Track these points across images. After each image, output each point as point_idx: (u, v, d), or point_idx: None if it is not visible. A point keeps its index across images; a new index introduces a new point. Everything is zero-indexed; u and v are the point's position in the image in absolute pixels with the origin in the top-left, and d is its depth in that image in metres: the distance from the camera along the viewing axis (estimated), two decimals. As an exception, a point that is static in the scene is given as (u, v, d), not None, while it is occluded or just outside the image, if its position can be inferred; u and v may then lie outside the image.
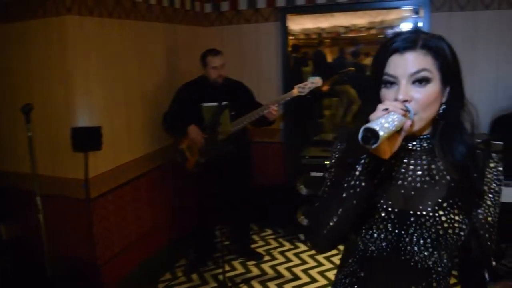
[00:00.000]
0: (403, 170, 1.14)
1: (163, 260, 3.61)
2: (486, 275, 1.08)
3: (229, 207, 3.71)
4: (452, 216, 1.06)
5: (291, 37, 4.27)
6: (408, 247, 1.10)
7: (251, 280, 3.43)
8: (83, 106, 2.79)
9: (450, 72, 1.06)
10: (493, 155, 1.14)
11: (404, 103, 1.00)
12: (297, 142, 4.27)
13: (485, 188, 1.11)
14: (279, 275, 3.49)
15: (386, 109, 0.94)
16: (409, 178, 1.13)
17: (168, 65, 3.74)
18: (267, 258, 3.77)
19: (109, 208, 3.02)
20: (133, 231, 3.29)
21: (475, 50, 3.54)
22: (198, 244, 3.76)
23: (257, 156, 4.01)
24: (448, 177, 1.10)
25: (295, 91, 3.17)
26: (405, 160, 1.14)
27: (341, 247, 1.28)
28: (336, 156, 1.23)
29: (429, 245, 1.08)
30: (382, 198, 1.11)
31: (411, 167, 1.14)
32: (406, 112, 0.97)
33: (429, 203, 1.09)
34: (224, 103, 3.02)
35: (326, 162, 3.85)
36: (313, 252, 3.83)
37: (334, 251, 3.74)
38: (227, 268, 3.51)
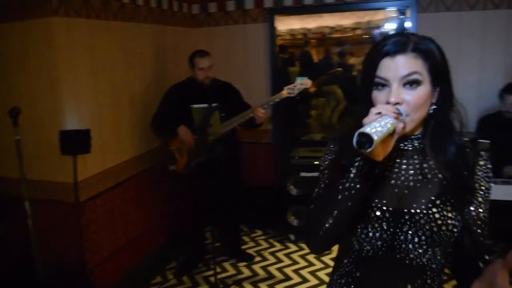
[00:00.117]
0: (396, 170, 1.16)
1: (153, 263, 3.59)
2: (481, 264, 1.08)
3: (219, 209, 3.70)
4: (445, 213, 1.08)
5: (278, 38, 4.28)
6: (403, 245, 1.11)
7: (243, 282, 3.42)
8: (71, 109, 2.76)
9: (439, 73, 1.08)
10: (482, 153, 1.16)
11: (396, 106, 1.02)
12: (286, 143, 4.28)
13: (476, 185, 1.13)
14: (270, 276, 3.49)
15: (379, 113, 0.96)
16: (402, 178, 1.15)
17: (156, 66, 3.72)
18: (258, 259, 3.77)
19: (98, 211, 2.99)
20: (123, 234, 3.26)
21: (461, 50, 3.59)
22: (188, 246, 3.74)
23: (247, 157, 4.01)
24: (440, 175, 1.13)
25: (285, 93, 3.18)
26: (397, 160, 1.16)
27: (333, 247, 1.28)
28: (330, 158, 1.24)
29: (424, 242, 1.10)
30: (377, 198, 1.13)
31: (404, 166, 1.16)
32: (398, 115, 0.99)
33: (423, 201, 1.11)
34: (214, 104, 3.01)
35: (315, 162, 3.90)
36: (303, 252, 3.84)
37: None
38: (218, 269, 3.50)
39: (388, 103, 1.04)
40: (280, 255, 3.83)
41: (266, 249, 3.95)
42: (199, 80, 3.37)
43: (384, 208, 1.12)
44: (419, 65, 1.05)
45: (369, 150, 0.90)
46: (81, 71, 2.83)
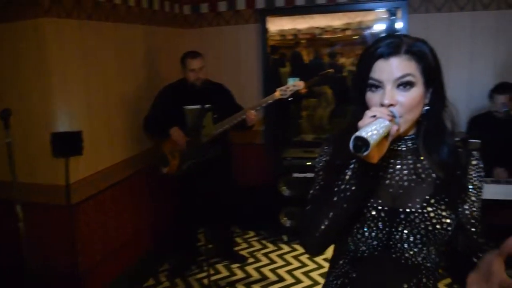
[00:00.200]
0: (390, 170, 1.17)
1: (146, 265, 3.57)
2: (475, 260, 1.10)
3: (212, 210, 3.69)
4: (440, 211, 1.10)
5: (269, 39, 4.28)
6: (399, 245, 1.13)
7: (236, 283, 3.42)
8: (63, 111, 2.73)
9: (432, 74, 1.09)
10: (474, 152, 1.18)
11: (390, 108, 1.03)
12: (278, 144, 4.28)
13: (469, 184, 1.15)
14: (264, 277, 3.49)
15: (374, 116, 0.97)
16: (397, 178, 1.16)
17: (148, 67, 3.70)
18: (251, 260, 3.77)
19: (90, 214, 2.96)
20: (115, 236, 3.24)
21: (451, 50, 3.63)
22: (181, 248, 3.72)
23: (239, 158, 4.01)
24: (433, 175, 1.14)
25: (277, 94, 3.18)
26: (391, 161, 1.17)
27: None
28: (324, 159, 1.25)
29: (419, 241, 1.11)
30: (372, 198, 1.14)
31: (398, 166, 1.17)
32: (392, 117, 1.00)
33: (417, 200, 1.12)
34: (207, 105, 3.00)
35: (308, 163, 3.91)
36: (296, 253, 3.85)
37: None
38: (211, 271, 3.49)
39: (382, 104, 1.05)
40: (273, 256, 3.83)
41: (259, 250, 3.94)
42: (190, 81, 3.36)
43: (380, 207, 1.13)
44: (412, 67, 1.07)
45: (365, 153, 0.91)
46: (73, 72, 2.80)
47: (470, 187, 1.15)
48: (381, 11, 4.00)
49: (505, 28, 3.62)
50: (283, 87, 3.19)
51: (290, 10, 4.15)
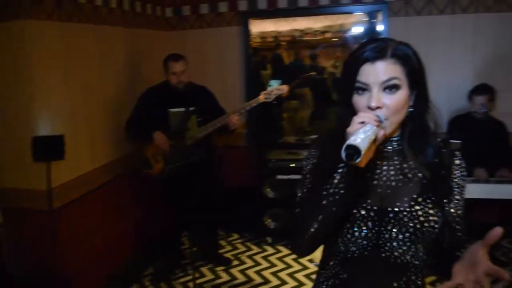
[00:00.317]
0: (377, 171, 1.19)
1: (130, 270, 3.53)
2: (459, 254, 1.13)
3: (196, 213, 3.67)
4: (427, 210, 1.13)
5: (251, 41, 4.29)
6: (388, 244, 1.15)
7: (221, 286, 3.41)
8: (44, 114, 2.69)
9: (416, 77, 1.13)
10: (457, 153, 1.21)
11: (376, 113, 1.06)
12: (261, 146, 4.29)
13: (453, 183, 1.19)
14: (249, 279, 3.49)
15: (363, 122, 1.00)
16: (384, 178, 1.19)
17: (130, 70, 3.67)
18: (235, 262, 3.76)
19: (73, 219, 2.91)
20: (98, 241, 3.19)
21: (431, 53, 3.69)
22: (165, 252, 3.69)
23: (222, 161, 3.99)
24: (419, 175, 1.17)
25: (261, 98, 3.18)
26: (378, 162, 1.19)
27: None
28: (312, 162, 1.26)
29: (407, 239, 1.14)
30: (361, 198, 1.16)
31: (385, 167, 1.20)
32: (379, 123, 1.03)
33: (405, 199, 1.15)
34: (191, 108, 2.98)
35: (291, 165, 3.91)
36: (281, 254, 3.86)
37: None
38: (196, 275, 3.47)
39: (369, 107, 1.08)
40: (257, 258, 3.83)
41: (243, 252, 3.94)
42: (172, 84, 3.33)
43: (369, 207, 1.15)
44: (397, 70, 1.09)
45: (357, 161, 0.95)
46: (54, 75, 2.76)
47: (455, 186, 1.19)
48: (361, 14, 4.05)
49: (483, 31, 3.70)
50: (267, 91, 3.18)
51: (272, 13, 4.17)
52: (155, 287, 3.41)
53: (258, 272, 3.59)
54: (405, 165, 1.18)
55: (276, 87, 3.19)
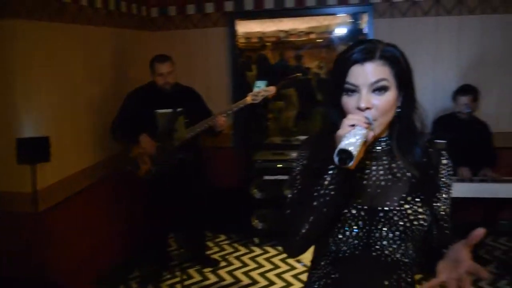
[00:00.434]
0: (367, 171, 1.21)
1: (116, 273, 3.49)
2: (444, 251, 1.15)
3: (183, 215, 3.65)
4: (416, 208, 1.15)
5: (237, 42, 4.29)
6: (378, 242, 1.17)
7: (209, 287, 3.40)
8: (28, 115, 2.64)
9: (404, 78, 1.14)
10: (443, 152, 1.24)
11: (365, 115, 1.07)
12: (248, 146, 4.29)
13: (441, 183, 1.21)
14: (237, 280, 3.48)
15: (353, 125, 1.02)
16: (373, 178, 1.20)
17: (116, 70, 3.63)
18: (223, 264, 3.75)
19: (58, 221, 2.87)
20: (84, 244, 3.15)
21: (416, 54, 3.72)
22: (152, 254, 3.66)
23: (209, 162, 3.98)
24: (408, 174, 1.19)
25: (249, 99, 3.17)
26: (367, 162, 1.20)
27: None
28: (301, 163, 1.27)
29: (397, 238, 1.15)
30: (351, 199, 1.17)
31: (374, 167, 1.21)
32: (369, 124, 1.05)
33: (395, 198, 1.17)
34: (179, 109, 2.97)
35: (278, 166, 3.92)
36: (268, 255, 3.86)
37: (289, 253, 3.79)
38: (183, 277, 3.45)
39: (358, 108, 1.09)
40: (245, 259, 3.83)
41: (230, 253, 3.93)
42: (159, 85, 3.31)
43: (359, 207, 1.17)
44: (386, 71, 1.11)
45: (350, 164, 0.96)
46: (38, 76, 2.71)
47: (442, 185, 1.21)
48: (347, 16, 4.08)
49: (467, 32, 3.77)
50: (254, 92, 3.18)
51: (259, 14, 4.17)
52: (142, 289, 3.39)
53: (245, 273, 3.59)
54: (393, 165, 1.20)
55: (263, 89, 3.19)
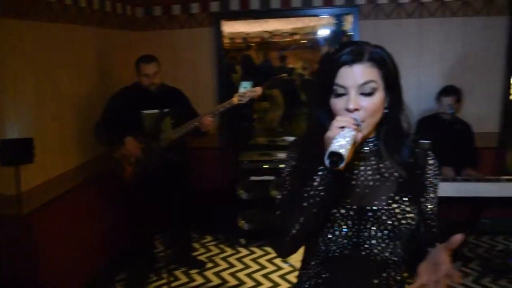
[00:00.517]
0: (355, 171, 1.22)
1: (103, 275, 3.45)
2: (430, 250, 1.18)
3: (169, 216, 3.63)
4: (404, 207, 1.17)
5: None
6: (367, 241, 1.18)
7: (196, 289, 3.39)
8: (11, 116, 2.59)
9: (391, 80, 1.16)
10: (429, 153, 1.26)
11: (353, 116, 1.09)
12: (234, 147, 4.29)
13: (427, 182, 1.23)
14: (224, 282, 3.48)
15: (342, 127, 1.03)
16: (362, 178, 1.22)
17: (100, 70, 3.59)
18: (209, 265, 3.74)
19: (43, 224, 2.82)
20: (70, 246, 3.10)
21: (400, 55, 3.74)
22: (138, 256, 3.61)
23: (195, 162, 3.97)
24: (396, 174, 1.21)
25: (235, 100, 3.16)
26: (356, 162, 1.22)
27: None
28: (291, 164, 1.28)
29: (386, 237, 1.17)
30: (341, 199, 1.18)
31: (362, 168, 1.23)
32: (357, 126, 1.06)
33: (383, 198, 1.18)
34: (165, 110, 2.95)
35: (264, 166, 3.93)
36: (255, 255, 3.86)
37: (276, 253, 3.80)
38: (170, 278, 3.43)
39: (347, 109, 1.11)
40: (231, 260, 3.82)
41: (217, 254, 3.93)
42: (144, 85, 3.28)
43: (348, 206, 1.18)
44: (374, 73, 1.13)
45: (341, 165, 0.98)
46: (21, 75, 2.66)
47: (429, 185, 1.23)
48: (332, 17, 4.11)
49: (449, 34, 3.84)
50: (240, 93, 3.18)
51: (244, 14, 4.17)
52: (128, 292, 3.36)
53: (232, 274, 3.58)
54: (381, 165, 1.22)
55: (250, 89, 3.19)
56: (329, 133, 1.03)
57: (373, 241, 1.18)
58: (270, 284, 3.41)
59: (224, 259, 3.84)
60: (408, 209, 1.17)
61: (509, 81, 3.89)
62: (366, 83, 1.11)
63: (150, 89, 3.27)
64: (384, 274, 1.20)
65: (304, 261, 1.33)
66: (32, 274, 2.68)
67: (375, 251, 1.18)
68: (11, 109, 2.59)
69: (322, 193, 1.08)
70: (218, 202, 4.11)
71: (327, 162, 0.99)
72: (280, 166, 3.81)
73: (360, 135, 1.06)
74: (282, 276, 3.51)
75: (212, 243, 4.15)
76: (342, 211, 1.18)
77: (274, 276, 3.52)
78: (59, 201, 2.99)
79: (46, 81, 2.89)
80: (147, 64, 3.24)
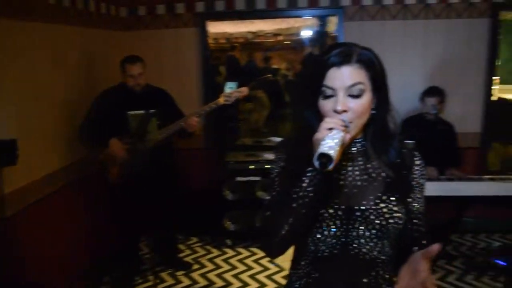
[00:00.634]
0: (343, 171, 1.24)
1: (88, 278, 3.40)
2: (415, 248, 1.23)
3: (155, 217, 3.60)
4: (391, 207, 1.18)
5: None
6: (356, 241, 1.20)
7: (182, 291, 3.37)
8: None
9: (379, 81, 1.18)
10: (416, 153, 1.28)
11: (341, 117, 1.10)
12: (219, 148, 4.28)
13: (414, 182, 1.25)
14: (210, 283, 3.47)
15: (331, 129, 1.04)
16: (350, 178, 1.23)
17: (84, 71, 3.53)
18: (196, 266, 3.72)
19: (26, 226, 2.76)
20: (53, 249, 3.05)
21: (384, 56, 3.78)
22: (123, 259, 3.57)
23: (182, 163, 3.95)
24: (383, 174, 1.22)
25: (221, 100, 3.15)
26: (344, 163, 1.23)
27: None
28: (280, 165, 1.29)
29: (374, 236, 1.19)
30: (329, 199, 1.19)
31: (350, 168, 1.24)
32: (345, 127, 1.07)
33: (371, 197, 1.20)
34: (151, 111, 2.92)
35: (250, 167, 3.93)
36: (241, 256, 3.86)
37: (262, 254, 3.81)
38: (156, 280, 3.41)
39: (335, 110, 1.12)
40: (218, 261, 3.81)
41: (203, 256, 3.91)
42: (130, 86, 3.25)
43: (336, 206, 1.19)
44: (362, 75, 1.14)
45: (330, 167, 0.99)
46: (3, 76, 2.61)
47: (415, 185, 1.25)
48: (318, 18, 4.14)
49: (432, 36, 3.89)
50: (226, 93, 3.17)
51: (230, 15, 4.16)
52: (114, 295, 3.32)
53: (219, 275, 3.57)
54: (369, 165, 1.23)
55: (236, 90, 3.18)
56: (318, 135, 1.05)
57: (362, 241, 1.19)
58: (257, 285, 3.41)
59: (210, 260, 3.83)
60: (395, 208, 1.18)
61: (491, 82, 3.97)
62: (354, 85, 1.12)
63: (135, 89, 3.24)
64: (373, 273, 1.21)
65: (294, 261, 1.34)
66: (15, 277, 2.63)
67: (364, 250, 1.19)
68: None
69: (311, 194, 1.09)
70: (204, 203, 4.09)
71: (316, 163, 1.00)
72: (266, 166, 3.82)
73: (348, 136, 1.07)
74: (268, 277, 3.51)
75: (198, 244, 4.13)
76: (331, 211, 1.19)
77: (260, 277, 3.52)
78: (43, 203, 2.93)
79: (29, 82, 2.84)
80: (132, 65, 3.21)
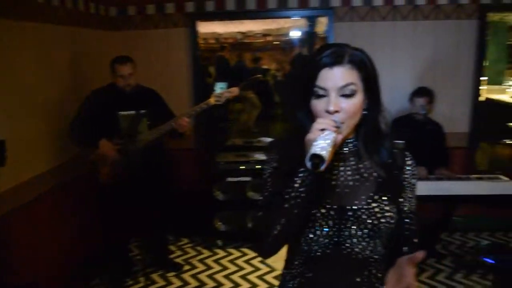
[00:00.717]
0: (335, 171, 1.24)
1: (78, 280, 3.37)
2: (405, 248, 1.28)
3: (145, 218, 3.58)
4: (383, 206, 1.20)
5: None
6: (348, 240, 1.20)
7: (173, 292, 3.36)
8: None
9: (370, 82, 1.19)
10: (407, 153, 1.30)
11: (333, 118, 1.11)
12: (210, 148, 4.27)
13: (405, 182, 1.27)
14: (202, 284, 3.46)
15: (323, 129, 1.05)
16: (342, 178, 1.24)
17: (73, 71, 3.50)
18: (187, 267, 3.71)
19: (15, 228, 2.74)
20: (43, 251, 3.01)
21: (374, 57, 3.83)
22: (113, 260, 3.55)
23: (172, 163, 3.93)
24: (375, 174, 1.23)
25: (212, 101, 3.15)
26: (335, 163, 1.24)
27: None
28: (272, 166, 1.29)
29: (366, 235, 1.20)
30: (321, 199, 1.20)
31: (342, 168, 1.25)
32: (337, 128, 1.08)
33: (363, 197, 1.21)
34: (142, 111, 2.91)
35: (241, 167, 3.92)
36: (232, 257, 3.85)
37: (253, 254, 3.81)
38: (147, 282, 3.39)
39: (327, 111, 1.12)
40: (209, 261, 3.80)
41: (194, 256, 3.89)
42: (120, 86, 3.23)
43: (329, 206, 1.20)
44: (354, 75, 1.15)
45: (322, 167, 1.00)
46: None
47: (407, 184, 1.27)
48: (307, 18, 4.15)
49: (421, 37, 3.93)
50: (217, 93, 3.17)
51: (220, 15, 4.16)
52: (104, 296, 3.30)
53: (210, 276, 3.56)
54: (361, 165, 1.24)
55: (226, 90, 3.18)
56: (310, 135, 1.05)
57: (354, 240, 1.20)
58: (248, 285, 3.41)
59: (201, 261, 3.81)
60: (387, 208, 1.19)
61: (479, 82, 4.02)
62: (346, 85, 1.13)
63: (125, 90, 3.22)
64: (366, 272, 1.22)
65: (288, 261, 1.35)
66: (4, 278, 2.60)
67: (356, 249, 1.20)
68: (-19, 111, 2.50)
69: (303, 194, 1.10)
70: (195, 204, 4.07)
71: (308, 164, 1.01)
72: (256, 167, 3.82)
73: (340, 137, 1.08)
74: (260, 277, 3.51)
75: (189, 245, 4.12)
76: (323, 211, 1.19)
77: (252, 277, 3.52)
78: (32, 204, 2.90)
79: (17, 82, 2.81)
80: (122, 65, 3.19)
